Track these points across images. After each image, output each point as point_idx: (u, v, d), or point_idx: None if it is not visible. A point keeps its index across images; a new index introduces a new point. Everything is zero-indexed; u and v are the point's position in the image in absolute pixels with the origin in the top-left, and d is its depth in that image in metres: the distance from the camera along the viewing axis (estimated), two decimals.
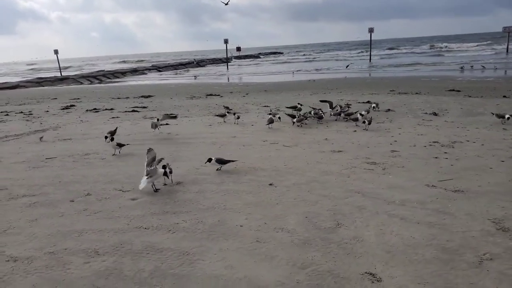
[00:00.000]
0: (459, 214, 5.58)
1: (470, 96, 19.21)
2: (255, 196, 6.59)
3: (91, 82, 51.15)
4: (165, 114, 13.42)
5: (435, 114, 14.23)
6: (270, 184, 7.13)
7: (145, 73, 61.46)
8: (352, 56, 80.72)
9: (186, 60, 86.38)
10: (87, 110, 19.99)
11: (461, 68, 39.16)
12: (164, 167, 7.33)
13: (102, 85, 43.94)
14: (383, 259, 4.47)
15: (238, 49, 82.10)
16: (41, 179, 8.10)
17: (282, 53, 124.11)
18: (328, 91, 24.49)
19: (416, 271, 4.21)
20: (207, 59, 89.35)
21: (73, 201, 6.78)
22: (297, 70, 45.99)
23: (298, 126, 12.74)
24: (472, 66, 39.21)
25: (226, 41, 65.58)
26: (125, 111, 18.98)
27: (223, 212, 5.97)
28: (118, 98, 25.95)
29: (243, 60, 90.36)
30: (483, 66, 38.51)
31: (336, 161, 8.53)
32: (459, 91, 21.68)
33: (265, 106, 18.77)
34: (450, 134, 10.82)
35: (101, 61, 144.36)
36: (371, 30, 61.70)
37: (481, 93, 20.16)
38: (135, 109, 19.47)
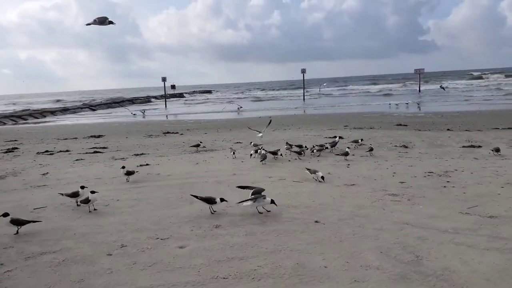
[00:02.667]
0: None
1: (419, 130, 20.94)
2: (311, 235, 6.44)
3: (16, 122, 47.07)
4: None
5: (405, 146, 15.22)
6: (316, 222, 7.03)
7: (77, 112, 58.07)
8: (290, 95, 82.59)
9: (121, 98, 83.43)
10: (38, 152, 18.28)
11: (389, 104, 42.79)
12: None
13: (34, 125, 40.53)
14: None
15: (173, 87, 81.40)
16: (46, 232, 7.17)
17: (212, 91, 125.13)
18: (286, 127, 25.11)
19: None
20: (142, 97, 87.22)
21: (110, 254, 6.08)
22: (240, 107, 46.55)
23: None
24: (397, 104, 42.74)
25: (164, 79, 65.14)
26: (86, 153, 17.69)
27: (294, 254, 5.73)
28: (65, 139, 24.15)
29: (178, 98, 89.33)
30: (407, 103, 42.31)
31: (358, 195, 8.70)
32: (406, 125, 23.51)
33: (237, 142, 18.70)
34: (435, 164, 11.62)
35: (15, 99, 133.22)
36: (303, 71, 65.14)
37: (425, 127, 22.02)
38: (97, 150, 18.22)
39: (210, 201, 7.47)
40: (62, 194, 8.84)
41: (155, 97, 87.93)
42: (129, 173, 10.97)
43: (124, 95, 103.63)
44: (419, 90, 67.96)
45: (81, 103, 71.50)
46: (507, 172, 10.03)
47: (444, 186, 9.07)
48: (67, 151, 18.59)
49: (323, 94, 75.93)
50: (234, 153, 13.62)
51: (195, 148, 16.56)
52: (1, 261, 6.00)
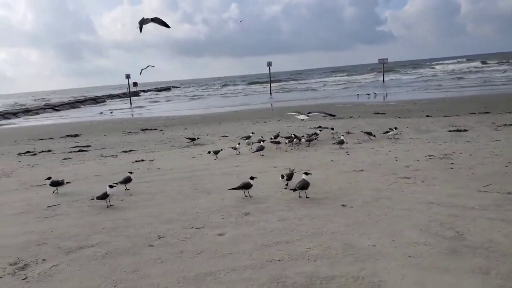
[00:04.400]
0: None
1: (399, 117, 21.68)
2: (344, 218, 6.61)
3: None
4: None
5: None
6: (343, 205, 7.21)
7: (40, 113, 55.56)
8: (254, 90, 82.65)
9: (83, 97, 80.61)
10: (19, 153, 17.49)
11: (357, 95, 43.90)
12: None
13: None
14: None
15: (135, 84, 79.51)
16: (73, 227, 6.98)
17: (171, 88, 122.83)
18: (265, 120, 25.25)
19: None
20: (104, 96, 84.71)
21: (152, 245, 6.01)
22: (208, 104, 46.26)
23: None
24: (369, 94, 43.88)
25: (128, 76, 63.60)
26: (71, 151, 17.12)
27: (337, 236, 5.87)
28: (41, 140, 23.20)
29: (139, 96, 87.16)
30: (375, 93, 43.52)
31: (371, 179, 8.97)
32: (384, 113, 24.24)
33: (223, 136, 18.68)
34: (432, 148, 12.11)
35: None
36: (269, 64, 64.99)
37: (404, 115, 22.80)
38: (81, 149, 17.64)
39: (247, 186, 7.51)
40: (94, 199, 8.28)
41: (118, 95, 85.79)
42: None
43: (82, 94, 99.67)
44: (383, 80, 69.86)
45: (44, 104, 68.37)
46: (503, 152, 10.61)
47: (451, 168, 9.50)
48: (49, 151, 17.93)
49: (287, 88, 75.86)
50: (236, 148, 13.43)
51: (191, 141, 16.81)
52: (42, 257, 5.82)
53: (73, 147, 18.59)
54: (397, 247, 5.35)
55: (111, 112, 44.74)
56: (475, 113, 21.10)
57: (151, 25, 11.95)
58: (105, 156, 15.13)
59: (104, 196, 8.08)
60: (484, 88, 40.35)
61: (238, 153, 13.16)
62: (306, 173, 7.91)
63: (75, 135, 24.11)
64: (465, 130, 15.35)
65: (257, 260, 5.24)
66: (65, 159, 15.24)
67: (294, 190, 7.69)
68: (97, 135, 23.52)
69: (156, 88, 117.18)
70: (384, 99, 37.32)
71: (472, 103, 26.34)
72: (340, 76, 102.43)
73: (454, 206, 6.80)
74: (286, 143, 14.05)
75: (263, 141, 13.17)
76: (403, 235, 5.74)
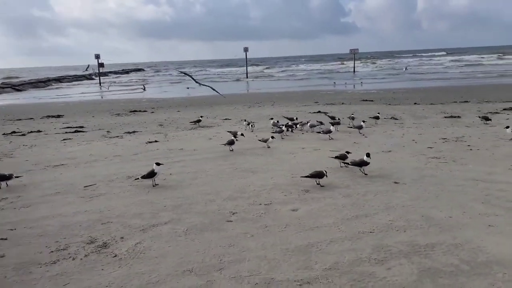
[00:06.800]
0: None
1: (389, 104, 22.45)
2: (405, 193, 6.94)
3: None
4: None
5: (395, 118, 16.38)
6: (396, 182, 7.56)
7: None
8: (226, 74, 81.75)
9: (45, 77, 76.46)
10: (4, 134, 16.56)
11: (334, 83, 44.79)
12: None
13: None
14: None
15: (101, 65, 76.69)
16: (131, 206, 6.90)
17: (142, 69, 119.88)
18: (257, 105, 25.32)
19: None
20: (70, 76, 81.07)
21: (231, 221, 6.08)
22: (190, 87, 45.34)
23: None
24: (346, 82, 44.92)
25: (97, 56, 61.20)
26: (66, 132, 16.44)
27: (410, 209, 6.19)
28: (19, 120, 21.93)
29: (106, 77, 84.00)
30: (345, 82, 44.72)
31: (405, 159, 9.40)
32: (372, 100, 24.98)
33: (225, 119, 18.62)
34: (441, 132, 12.78)
35: None
36: (246, 50, 64.79)
37: (391, 102, 23.58)
38: (77, 130, 16.98)
39: (320, 175, 7.45)
40: (139, 178, 8.10)
41: (84, 76, 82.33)
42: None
43: (37, 76, 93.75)
44: (354, 70, 71.44)
45: (1, 83, 64.28)
46: (506, 136, 11.33)
47: (470, 149, 10.12)
48: (39, 131, 17.12)
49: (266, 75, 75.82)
50: (251, 125, 13.41)
51: (195, 123, 16.69)
52: (118, 235, 5.71)
53: (65, 127, 17.84)
54: (472, 218, 5.74)
55: (109, 86, 42.58)
56: (456, 101, 22.23)
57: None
58: (110, 137, 14.70)
59: (152, 175, 7.95)
60: (452, 81, 42.25)
61: (268, 146, 11.57)
62: (368, 155, 8.05)
63: (58, 116, 23.05)
64: (459, 117, 16.21)
65: (348, 232, 5.45)
66: (65, 139, 14.66)
67: (351, 165, 8.00)
68: (83, 116, 22.63)
69: (123, 69, 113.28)
70: (361, 86, 38.33)
71: (449, 92, 27.67)
72: (314, 64, 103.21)
73: (497, 183, 7.32)
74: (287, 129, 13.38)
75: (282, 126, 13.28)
76: (471, 207, 6.15)
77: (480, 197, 6.58)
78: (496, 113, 16.70)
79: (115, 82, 67.55)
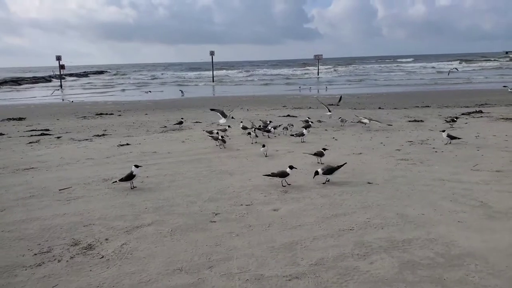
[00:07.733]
0: None
1: (355, 109, 23.20)
2: (380, 192, 7.31)
3: None
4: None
5: (362, 122, 16.92)
6: (369, 183, 7.92)
7: None
8: (191, 78, 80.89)
9: (1, 79, 72.96)
10: None
11: (299, 87, 45.74)
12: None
13: None
14: None
15: (62, 67, 74.26)
16: (111, 209, 6.87)
17: (104, 72, 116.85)
18: (228, 108, 25.33)
19: None
20: (28, 78, 77.82)
21: (214, 221, 6.19)
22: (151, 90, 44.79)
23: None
24: (310, 87, 45.95)
25: (59, 58, 59.18)
26: (31, 135, 15.89)
27: (385, 207, 6.54)
28: None
29: (68, 79, 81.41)
30: (310, 87, 45.84)
31: (374, 161, 9.83)
32: (338, 105, 25.56)
33: (196, 122, 18.62)
34: (406, 135, 13.40)
35: None
36: (212, 53, 64.92)
37: (357, 107, 24.33)
38: (43, 132, 16.42)
39: (283, 174, 7.69)
40: (117, 181, 8.05)
41: (44, 78, 79.32)
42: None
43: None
44: (318, 74, 73.04)
45: None
46: (468, 140, 12.03)
47: (436, 151, 10.70)
48: (2, 134, 16.46)
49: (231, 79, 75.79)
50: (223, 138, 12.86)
51: (179, 124, 16.88)
52: (103, 237, 5.70)
53: (30, 130, 17.23)
54: (443, 215, 6.15)
55: (53, 92, 41.19)
56: (418, 106, 23.27)
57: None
58: (79, 140, 14.36)
59: (130, 177, 7.91)
60: (413, 87, 44.06)
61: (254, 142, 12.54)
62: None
63: (20, 118, 22.17)
64: (422, 121, 17.01)
65: (329, 230, 5.70)
66: (31, 142, 14.18)
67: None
68: (47, 119, 21.88)
69: (85, 72, 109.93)
70: (326, 91, 39.30)
71: (410, 98, 28.87)
72: (278, 69, 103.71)
73: (462, 182, 7.82)
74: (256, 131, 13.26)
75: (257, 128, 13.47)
76: (440, 205, 6.57)
77: (448, 195, 7.03)
78: (456, 118, 17.64)
79: (73, 86, 65.50)
